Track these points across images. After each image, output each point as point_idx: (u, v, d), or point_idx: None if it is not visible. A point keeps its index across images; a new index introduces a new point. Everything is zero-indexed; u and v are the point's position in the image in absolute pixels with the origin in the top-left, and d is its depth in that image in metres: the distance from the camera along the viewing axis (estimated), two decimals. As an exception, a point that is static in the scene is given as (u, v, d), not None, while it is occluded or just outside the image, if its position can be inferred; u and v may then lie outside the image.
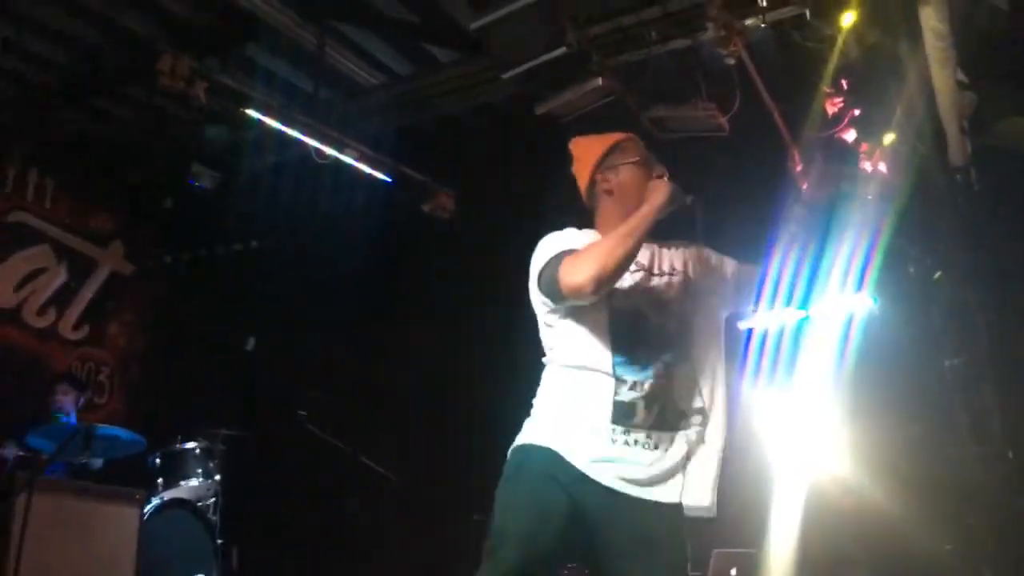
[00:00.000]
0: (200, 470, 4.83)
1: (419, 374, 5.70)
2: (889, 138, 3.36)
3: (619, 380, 2.03)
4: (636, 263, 2.13)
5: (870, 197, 3.62)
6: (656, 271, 2.19)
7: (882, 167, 3.52)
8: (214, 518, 4.75)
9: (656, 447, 2.03)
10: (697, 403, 2.12)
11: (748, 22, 3.51)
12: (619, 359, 2.05)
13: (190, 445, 4.86)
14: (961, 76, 3.04)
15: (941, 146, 3.25)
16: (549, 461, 2.02)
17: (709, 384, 2.15)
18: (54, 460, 4.41)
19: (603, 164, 2.25)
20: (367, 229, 5.74)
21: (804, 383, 4.58)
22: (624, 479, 2.00)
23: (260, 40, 4.90)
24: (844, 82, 3.40)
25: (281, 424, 5.11)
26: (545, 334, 2.20)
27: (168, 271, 6.77)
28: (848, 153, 3.50)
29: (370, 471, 4.93)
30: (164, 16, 4.80)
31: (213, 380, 6.05)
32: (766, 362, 4.82)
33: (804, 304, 4.66)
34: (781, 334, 4.84)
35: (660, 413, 2.05)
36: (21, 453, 4.45)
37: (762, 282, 2.33)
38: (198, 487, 4.79)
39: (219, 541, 4.68)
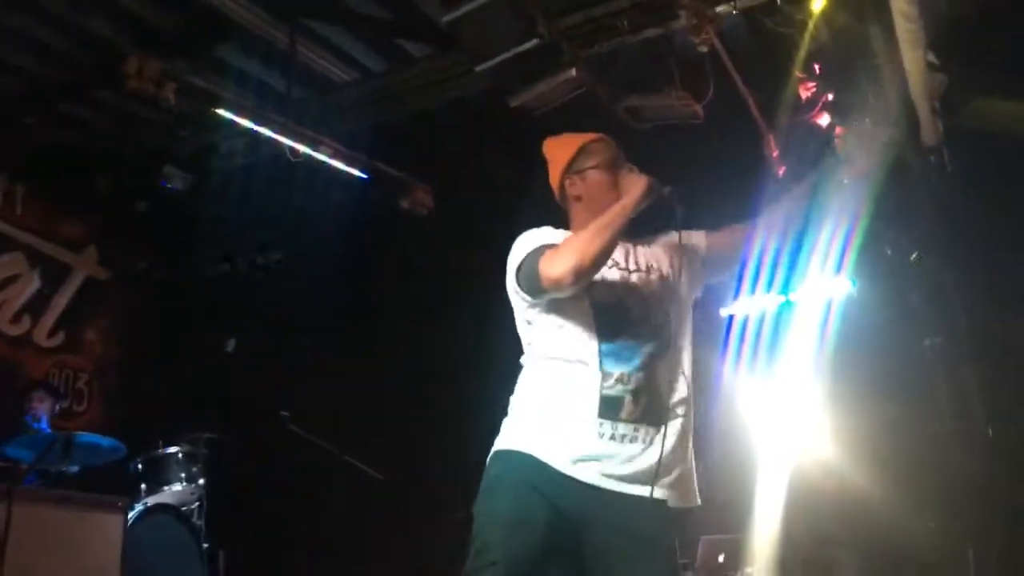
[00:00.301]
0: (183, 474, 4.79)
1: (400, 370, 5.69)
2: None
3: (605, 373, 2.03)
4: (613, 260, 2.12)
5: (846, 181, 3.64)
6: (633, 267, 2.18)
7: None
8: (199, 522, 4.72)
9: (642, 441, 2.02)
10: (681, 393, 2.12)
11: (719, 9, 3.52)
12: (605, 352, 2.04)
13: (172, 450, 4.81)
14: (931, 58, 3.06)
15: (913, 128, 3.28)
16: (528, 468, 2.00)
17: (687, 374, 2.15)
18: (33, 469, 4.36)
19: (570, 169, 2.25)
20: (344, 226, 5.71)
21: (786, 367, 4.62)
22: (607, 475, 1.99)
23: (231, 40, 4.84)
24: (816, 67, 3.42)
25: (264, 425, 5.07)
26: (524, 331, 2.18)
27: (144, 275, 6.69)
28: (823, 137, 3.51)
29: (355, 470, 4.91)
30: (132, 19, 4.72)
31: (193, 383, 5.99)
32: (748, 348, 4.85)
33: (785, 289, 4.72)
34: (762, 319, 4.88)
35: (647, 406, 2.04)
36: (-1, 463, 4.39)
37: (748, 240, 2.32)
38: (181, 491, 4.75)
39: (205, 545, 4.65)
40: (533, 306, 2.12)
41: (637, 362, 2.05)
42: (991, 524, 3.61)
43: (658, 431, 2.03)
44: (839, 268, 4.29)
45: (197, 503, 4.78)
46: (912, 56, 2.97)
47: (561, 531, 1.97)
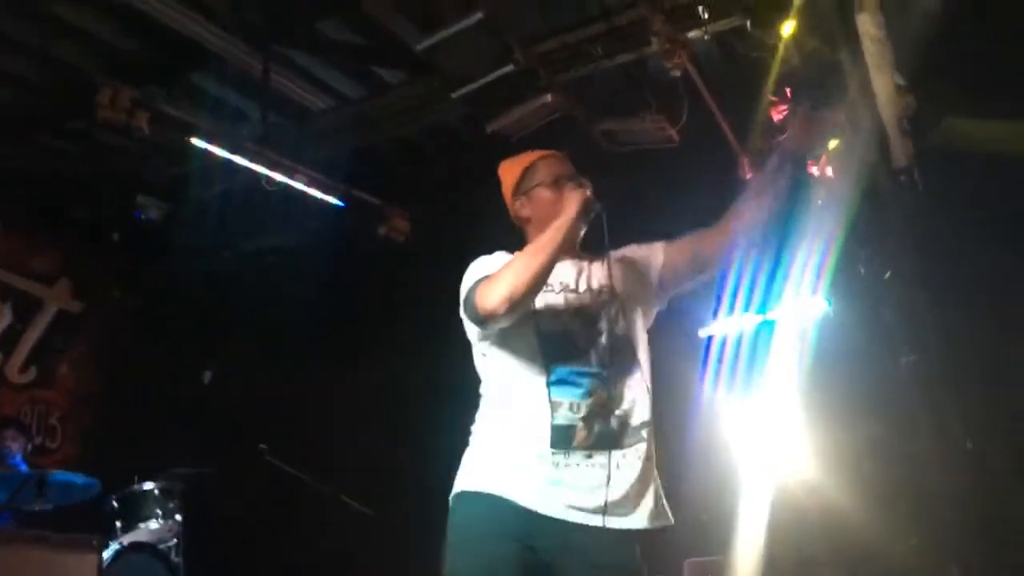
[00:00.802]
0: (159, 511, 4.70)
1: (379, 398, 5.64)
2: (834, 143, 3.42)
3: (554, 403, 1.99)
4: (560, 283, 2.09)
5: (819, 202, 3.69)
6: (582, 289, 2.13)
7: (829, 171, 3.59)
8: (177, 560, 4.63)
9: (600, 467, 1.96)
10: (641, 415, 2.06)
11: (691, 34, 3.56)
12: (552, 381, 2.01)
13: (148, 486, 4.73)
14: (899, 79, 3.11)
15: (884, 149, 3.32)
16: (495, 512, 1.94)
17: (647, 397, 2.10)
18: (5, 509, 4.26)
19: (518, 190, 2.23)
20: (322, 255, 5.68)
21: (766, 387, 4.64)
22: (573, 507, 1.94)
23: (205, 68, 4.84)
24: (788, 90, 3.46)
25: (242, 458, 5.00)
26: (479, 363, 2.16)
27: (118, 307, 6.61)
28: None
29: (335, 501, 4.84)
30: (105, 48, 4.71)
31: (170, 417, 5.91)
32: (727, 368, 4.87)
33: (763, 308, 4.75)
34: (740, 339, 4.90)
35: (601, 432, 1.99)
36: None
37: (720, 245, 2.25)
38: (158, 529, 4.66)
39: (182, 583, 4.55)
40: (484, 337, 2.09)
41: (585, 388, 2.01)
42: (974, 540, 3.62)
43: (620, 456, 1.98)
44: (815, 288, 4.33)
45: (175, 540, 4.70)
46: (880, 78, 3.02)
47: (536, 571, 1.93)
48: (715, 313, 4.86)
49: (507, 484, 1.96)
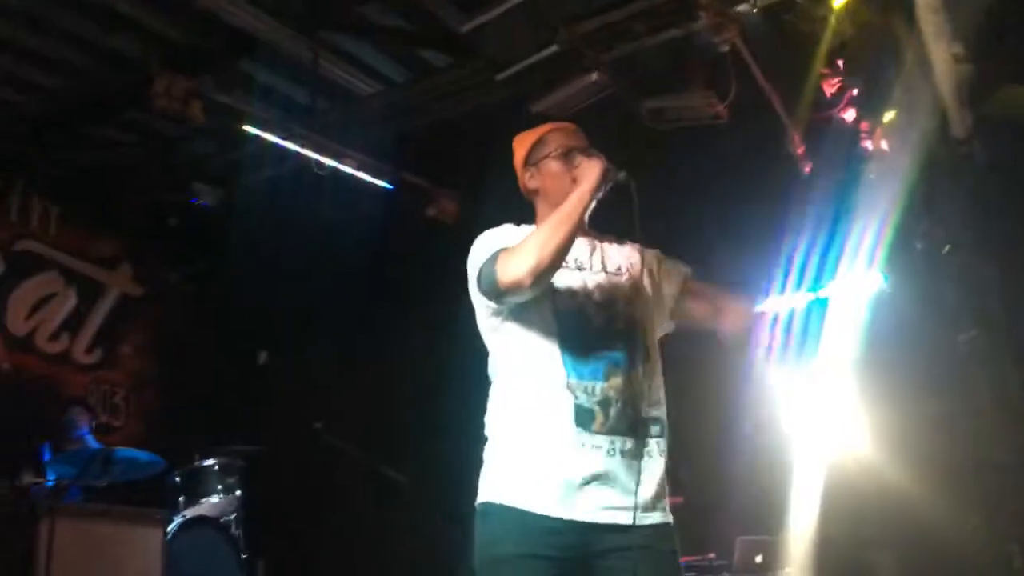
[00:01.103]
0: (220, 486, 4.83)
1: (431, 377, 5.71)
2: (889, 115, 3.34)
3: (570, 384, 1.91)
4: (576, 261, 2.02)
5: (874, 176, 3.61)
6: (598, 269, 2.06)
7: (884, 145, 3.50)
8: (237, 532, 4.76)
9: (628, 458, 1.89)
10: (655, 411, 1.98)
11: (740, 8, 3.49)
12: (567, 362, 1.93)
13: (209, 462, 4.86)
14: (957, 48, 3.01)
15: (942, 120, 3.22)
16: (519, 528, 1.86)
17: (661, 392, 2.01)
18: (74, 485, 4.44)
19: (528, 162, 2.16)
20: (371, 237, 5.74)
21: (820, 365, 4.57)
22: (604, 507, 1.86)
23: (254, 56, 4.91)
24: (840, 62, 3.38)
25: (297, 436, 5.12)
26: (490, 340, 2.07)
27: (177, 290, 6.79)
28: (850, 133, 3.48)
29: (388, 479, 4.93)
30: (157, 38, 4.80)
31: (228, 396, 6.07)
32: (779, 346, 4.81)
33: (816, 286, 4.67)
34: (792, 317, 4.83)
35: (619, 419, 1.91)
36: (39, 480, 4.47)
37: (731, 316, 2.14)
38: (219, 503, 4.80)
39: (244, 555, 4.69)
40: (497, 313, 2.00)
41: (602, 373, 1.93)
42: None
43: (637, 446, 1.90)
44: (870, 263, 4.24)
45: (235, 514, 4.83)
46: (937, 48, 2.93)
47: None
48: (766, 290, 4.79)
49: (532, 493, 1.87)
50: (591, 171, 1.96)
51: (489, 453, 2.01)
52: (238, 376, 6.17)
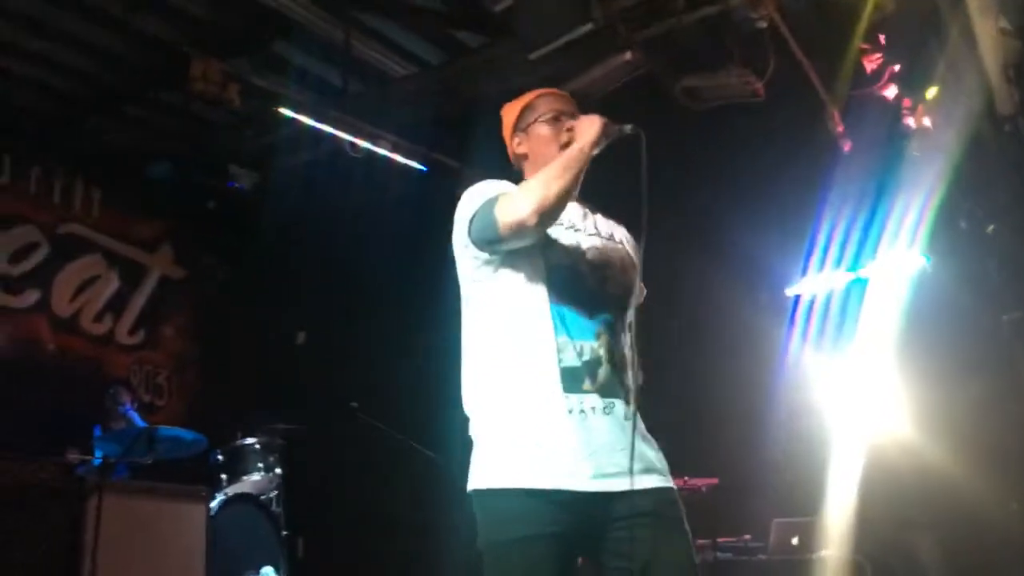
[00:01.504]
0: (261, 464, 4.92)
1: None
2: (932, 92, 3.26)
3: (559, 344, 1.86)
4: (570, 221, 1.99)
5: (916, 153, 3.53)
6: (591, 231, 2.04)
7: (927, 122, 3.42)
8: (278, 510, 4.85)
9: (613, 417, 1.85)
10: (634, 382, 1.94)
11: (779, -18, 3.42)
12: (557, 319, 1.88)
13: (249, 441, 4.95)
14: (1004, 23, 2.92)
15: (987, 97, 3.14)
16: (524, 512, 1.81)
17: (636, 365, 1.97)
18: (120, 462, 4.54)
19: (517, 127, 2.13)
20: (405, 218, 5.77)
21: (859, 345, 4.51)
22: (603, 474, 1.81)
23: (288, 38, 4.93)
24: (881, 37, 3.30)
25: (335, 415, 5.18)
26: (473, 297, 2.01)
27: (216, 272, 6.89)
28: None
29: (425, 456, 4.98)
30: (192, 20, 4.84)
31: (267, 375, 6.17)
32: (816, 326, 4.76)
33: (855, 266, 4.60)
34: (830, 297, 4.77)
35: (607, 378, 1.87)
36: (86, 458, 4.59)
37: None
38: (260, 481, 4.89)
39: (284, 532, 4.78)
40: (488, 262, 1.94)
41: (592, 333, 1.89)
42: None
43: (625, 406, 1.87)
44: (912, 242, 4.16)
45: (275, 491, 4.92)
46: (983, 23, 2.84)
47: (575, 555, 1.85)
48: (803, 271, 4.73)
49: (529, 469, 1.82)
50: (590, 126, 1.93)
51: (477, 433, 1.95)
52: (277, 356, 6.26)
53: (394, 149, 4.91)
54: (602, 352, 1.89)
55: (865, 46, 3.29)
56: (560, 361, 1.86)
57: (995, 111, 3.13)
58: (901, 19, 3.20)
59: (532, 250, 1.92)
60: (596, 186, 2.05)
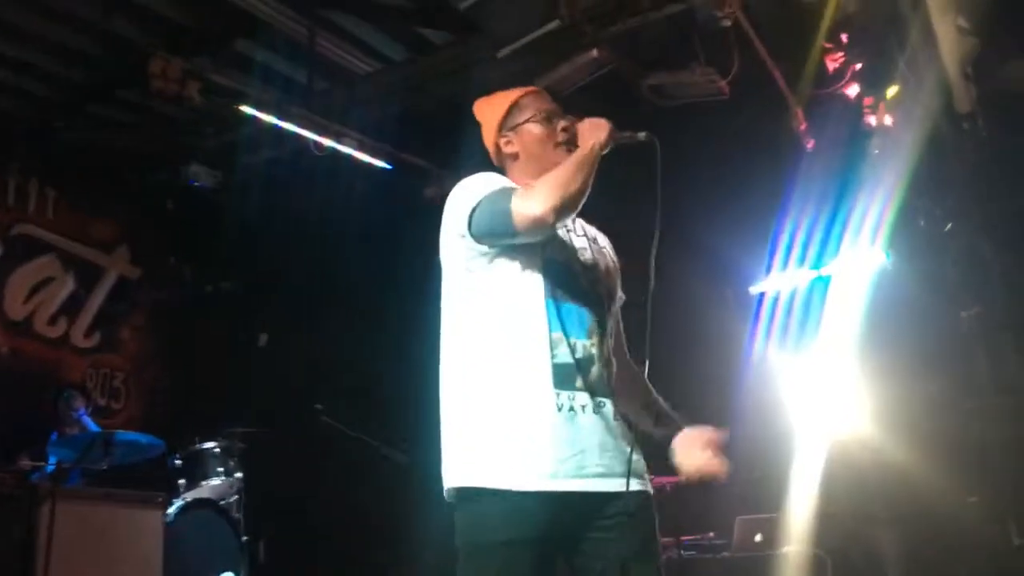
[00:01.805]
0: (221, 469, 4.83)
1: (429, 358, 5.70)
2: (893, 91, 3.31)
3: (553, 339, 1.85)
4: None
5: (877, 152, 3.59)
6: (580, 233, 2.06)
7: (887, 120, 3.48)
8: (238, 515, 4.76)
9: (602, 416, 1.85)
10: (614, 381, 1.95)
11: (743, -19, 3.46)
12: (552, 314, 1.87)
13: (209, 445, 4.86)
14: (962, 22, 2.98)
15: (946, 95, 3.20)
16: (505, 514, 1.78)
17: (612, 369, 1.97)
18: (75, 468, 4.43)
19: (504, 127, 2.11)
20: (369, 218, 5.72)
21: (821, 343, 4.57)
22: (590, 474, 1.80)
23: (252, 36, 4.86)
24: (843, 37, 3.35)
25: (298, 417, 5.11)
26: (464, 288, 1.96)
27: (175, 272, 6.77)
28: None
29: (389, 460, 4.93)
30: (153, 18, 4.76)
31: (228, 378, 6.06)
32: (780, 324, 4.81)
33: (817, 264, 4.67)
34: (794, 295, 4.83)
35: (597, 377, 1.88)
36: (39, 464, 4.47)
37: None
38: (220, 485, 4.79)
39: (244, 538, 4.69)
40: (483, 254, 1.91)
41: (585, 330, 1.89)
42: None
43: (613, 407, 1.87)
44: (873, 241, 4.23)
45: (235, 496, 4.83)
46: (942, 21, 2.90)
47: (556, 558, 1.83)
48: (767, 268, 4.78)
49: (512, 468, 1.79)
50: (600, 128, 1.94)
51: (455, 429, 1.90)
52: (238, 358, 6.16)
53: (359, 147, 4.87)
54: (595, 351, 1.89)
55: (828, 45, 3.34)
56: (554, 357, 1.84)
57: (954, 109, 3.19)
58: (863, 18, 3.26)
59: (532, 244, 1.91)
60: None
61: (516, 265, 1.91)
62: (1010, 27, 3.19)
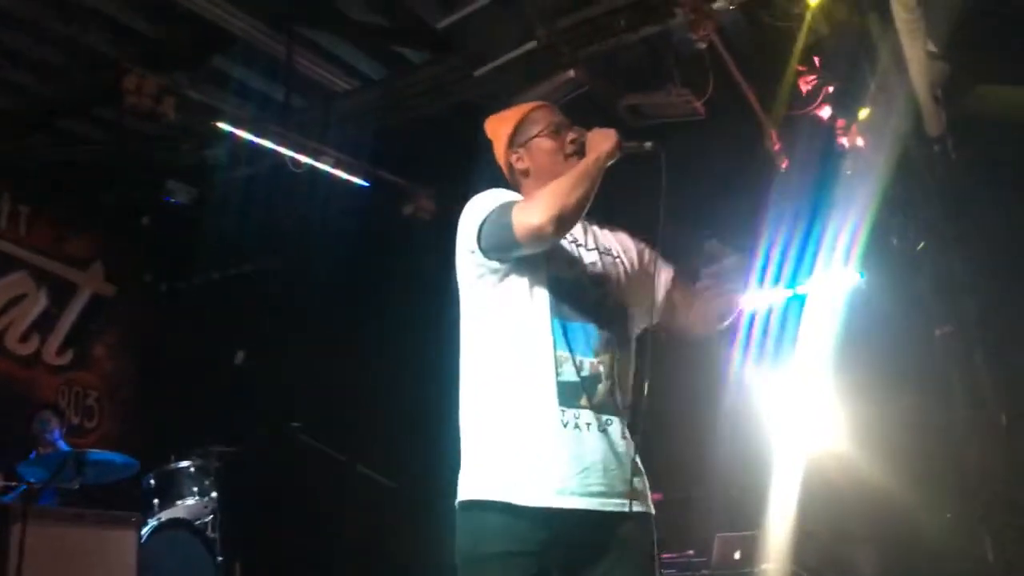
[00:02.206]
0: (196, 488, 4.78)
1: (408, 375, 5.68)
2: (864, 112, 3.36)
3: (559, 357, 1.86)
4: (572, 235, 1.98)
5: (850, 173, 3.63)
6: (592, 247, 2.04)
7: (859, 142, 3.53)
8: (213, 535, 4.71)
9: (609, 435, 1.85)
10: (629, 398, 1.94)
11: (716, 5, 3.50)
12: (557, 333, 1.87)
13: (184, 464, 4.81)
14: (931, 47, 3.04)
15: (916, 118, 3.25)
16: (505, 527, 1.80)
17: (631, 382, 1.97)
18: (46, 488, 4.37)
19: (514, 143, 2.11)
20: (347, 234, 5.70)
21: (797, 361, 4.60)
22: (592, 493, 1.81)
23: (229, 52, 4.85)
24: (816, 59, 3.40)
25: (275, 437, 5.07)
26: (475, 306, 1.98)
27: (150, 289, 6.70)
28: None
29: (366, 478, 4.90)
30: (129, 34, 4.73)
31: (204, 397, 6.00)
32: (757, 342, 4.84)
33: (792, 282, 4.71)
34: (770, 313, 4.86)
35: (605, 395, 1.87)
36: (9, 484, 4.40)
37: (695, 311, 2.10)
38: (194, 505, 4.74)
39: (220, 558, 4.64)
40: (493, 271, 1.92)
41: (592, 348, 1.89)
42: (1009, 514, 3.58)
43: (621, 425, 1.87)
44: (847, 260, 4.27)
45: (211, 516, 4.78)
46: (912, 46, 2.95)
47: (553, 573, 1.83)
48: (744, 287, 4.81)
49: (517, 483, 1.81)
50: (607, 138, 1.93)
51: (468, 445, 1.93)
52: (214, 376, 6.10)
53: (336, 165, 4.86)
54: (602, 369, 1.88)
55: (801, 68, 3.39)
56: (559, 375, 1.85)
57: (924, 132, 3.24)
58: (835, 42, 3.31)
59: (536, 260, 1.91)
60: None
61: (524, 283, 1.92)
62: (978, 52, 3.25)
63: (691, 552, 4.57)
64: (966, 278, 3.90)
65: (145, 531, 4.24)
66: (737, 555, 4.33)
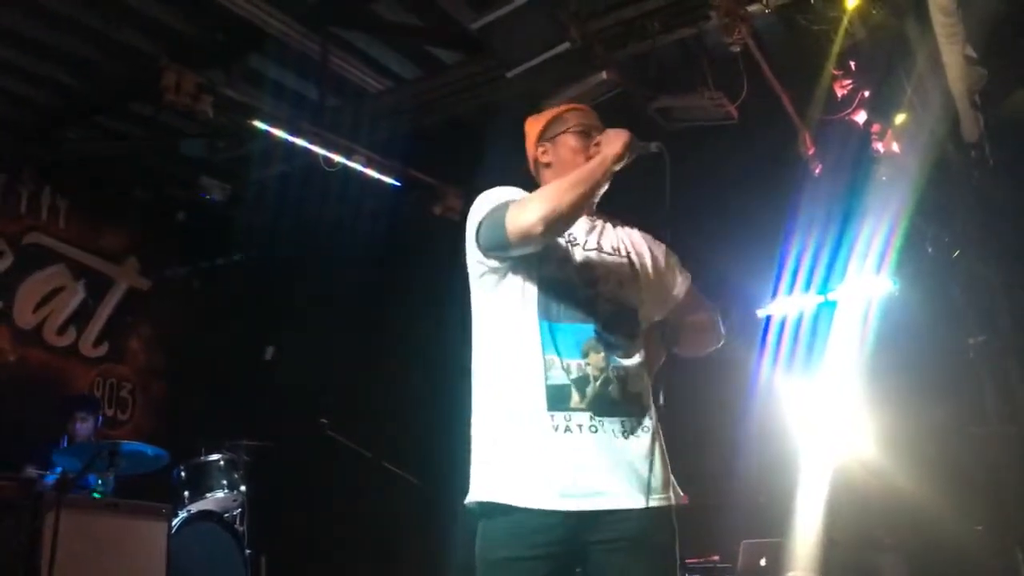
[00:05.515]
0: (225, 481, 4.84)
1: (437, 374, 5.71)
2: (901, 118, 3.33)
3: (547, 360, 1.85)
4: (571, 235, 1.98)
5: (884, 178, 3.59)
6: (592, 247, 2.02)
7: (895, 147, 3.49)
8: (241, 528, 4.77)
9: (602, 434, 1.84)
10: (643, 393, 1.94)
11: (752, 8, 3.48)
12: (544, 334, 1.87)
13: (214, 457, 4.87)
14: (970, 51, 3.00)
15: (953, 122, 3.20)
16: (512, 531, 1.81)
17: (644, 374, 1.97)
18: (81, 478, 4.44)
19: (543, 137, 2.14)
20: (378, 234, 5.74)
21: (827, 368, 4.56)
22: (591, 494, 1.80)
23: (265, 51, 4.91)
24: (852, 63, 3.37)
25: (303, 432, 5.12)
26: (478, 306, 2.00)
27: (184, 284, 6.80)
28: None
29: (393, 475, 4.93)
30: (167, 32, 4.81)
31: (235, 391, 6.08)
32: (787, 348, 4.80)
33: (824, 288, 4.66)
34: (800, 319, 4.82)
35: (597, 395, 1.85)
36: (42, 473, 4.48)
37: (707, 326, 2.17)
38: (224, 498, 4.80)
39: (247, 551, 4.70)
40: (493, 271, 1.93)
41: (579, 348, 1.87)
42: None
43: (619, 423, 1.86)
44: (880, 267, 4.22)
45: (239, 509, 4.84)
46: (950, 50, 2.91)
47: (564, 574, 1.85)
48: (774, 293, 4.78)
49: (524, 486, 1.82)
50: (617, 139, 1.92)
51: (474, 446, 1.96)
52: (245, 371, 6.18)
53: (368, 164, 4.90)
54: (589, 370, 1.87)
55: (837, 72, 3.36)
56: (547, 379, 1.85)
57: (961, 137, 3.20)
58: (871, 46, 3.27)
59: (530, 261, 1.92)
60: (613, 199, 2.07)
61: (517, 284, 1.93)
62: (1016, 57, 3.20)
63: (716, 558, 4.54)
64: (1001, 287, 3.84)
65: (175, 522, 4.31)
66: (763, 562, 4.30)
